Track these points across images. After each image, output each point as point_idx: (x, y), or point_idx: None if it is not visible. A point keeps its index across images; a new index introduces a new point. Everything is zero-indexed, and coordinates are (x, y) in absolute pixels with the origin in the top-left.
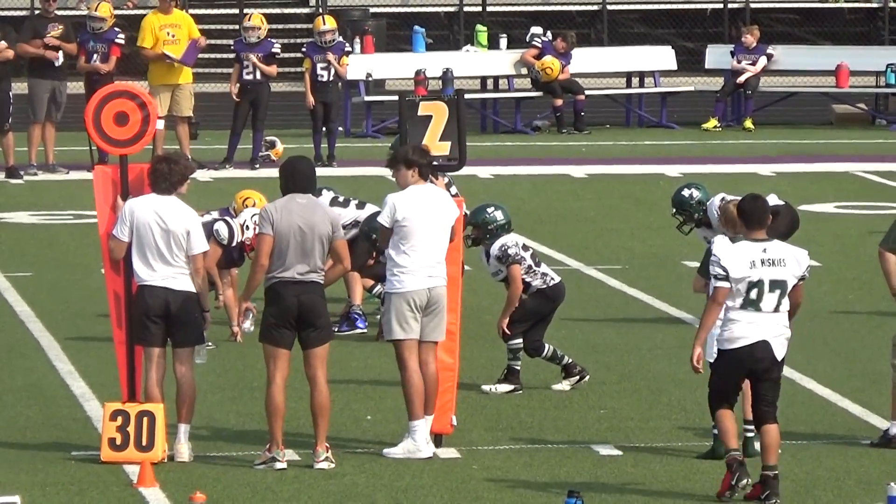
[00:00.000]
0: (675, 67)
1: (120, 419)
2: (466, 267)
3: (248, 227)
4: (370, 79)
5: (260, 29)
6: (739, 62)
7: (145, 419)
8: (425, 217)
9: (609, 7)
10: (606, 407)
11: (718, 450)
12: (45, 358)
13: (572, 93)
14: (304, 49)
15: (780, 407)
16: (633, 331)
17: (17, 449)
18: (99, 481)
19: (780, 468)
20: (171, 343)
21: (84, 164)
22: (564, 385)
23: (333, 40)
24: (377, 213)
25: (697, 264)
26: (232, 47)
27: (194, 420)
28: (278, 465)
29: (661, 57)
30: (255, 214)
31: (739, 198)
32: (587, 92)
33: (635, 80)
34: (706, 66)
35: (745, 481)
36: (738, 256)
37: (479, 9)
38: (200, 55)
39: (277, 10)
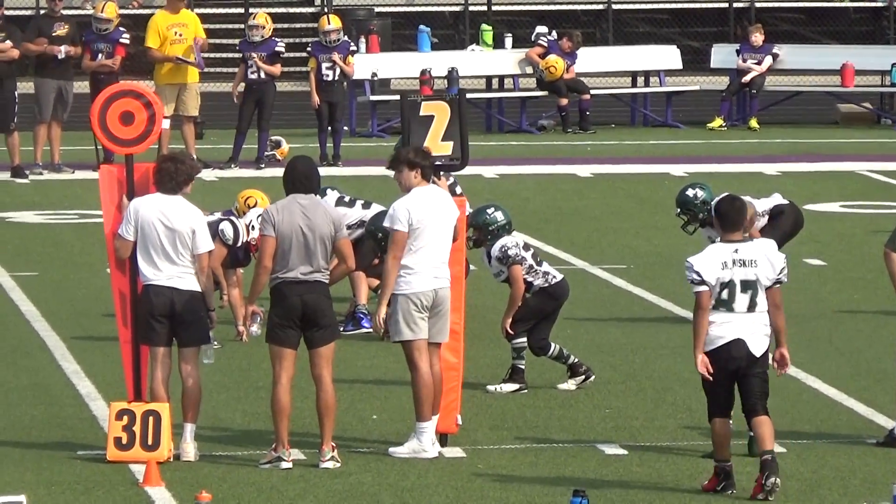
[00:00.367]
0: (680, 67)
1: (126, 418)
2: (472, 266)
3: (253, 227)
4: (375, 78)
5: (264, 28)
6: (745, 61)
7: (151, 418)
8: (432, 219)
9: (614, 6)
10: (612, 406)
11: (754, 450)
12: (51, 357)
13: (578, 92)
14: (309, 48)
15: (786, 406)
16: (638, 330)
17: (23, 448)
18: (105, 480)
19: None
20: (176, 342)
21: (89, 163)
22: (570, 384)
23: (338, 40)
24: (382, 213)
25: None
26: (237, 47)
27: (200, 419)
28: (284, 465)
29: (667, 56)
30: (260, 215)
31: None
32: (592, 91)
33: (640, 80)
34: (711, 66)
35: (729, 492)
36: (709, 259)
37: (485, 8)
38: (206, 55)
39: (282, 10)
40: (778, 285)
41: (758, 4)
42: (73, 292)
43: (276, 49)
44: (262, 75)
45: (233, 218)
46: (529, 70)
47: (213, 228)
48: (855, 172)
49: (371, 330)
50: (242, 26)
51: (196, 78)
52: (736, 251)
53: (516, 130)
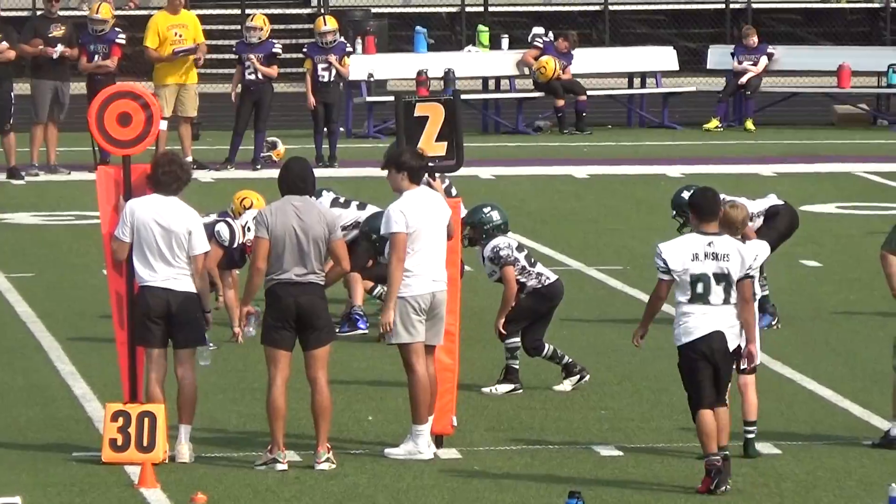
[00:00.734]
0: (676, 68)
1: (121, 420)
2: (467, 268)
3: (249, 228)
4: (372, 79)
5: (262, 30)
6: (740, 63)
7: (146, 420)
8: (426, 221)
9: (611, 7)
10: (607, 407)
11: (750, 451)
12: (47, 358)
13: (574, 93)
14: (305, 50)
15: (781, 407)
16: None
17: (19, 449)
18: (100, 482)
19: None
20: (172, 344)
21: (86, 164)
22: (565, 385)
23: (334, 41)
24: (378, 214)
25: None
26: (233, 48)
27: (195, 421)
28: (279, 466)
29: (663, 57)
30: (255, 216)
31: (737, 199)
32: (589, 92)
33: (637, 81)
34: (708, 67)
35: (723, 488)
36: (679, 250)
37: (481, 9)
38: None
39: (279, 11)
40: (748, 280)
41: (754, 5)
42: (69, 293)
43: (273, 51)
44: (260, 77)
45: (229, 219)
46: (526, 71)
47: (209, 230)
48: (851, 174)
49: (366, 331)
50: (239, 27)
51: (195, 79)
52: (710, 244)
53: (513, 131)
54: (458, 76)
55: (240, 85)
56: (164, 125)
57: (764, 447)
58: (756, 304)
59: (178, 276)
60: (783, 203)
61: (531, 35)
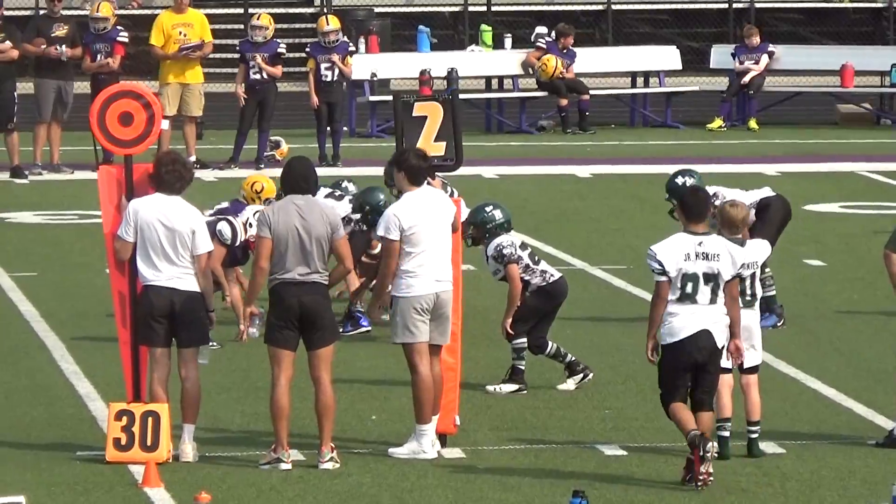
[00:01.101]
0: (679, 67)
1: (125, 419)
2: (470, 267)
3: (251, 224)
4: (375, 78)
5: (268, 29)
6: (742, 62)
7: (150, 419)
8: (429, 221)
9: (614, 7)
10: (611, 407)
11: (723, 451)
12: (50, 358)
13: (577, 92)
14: (307, 49)
15: (785, 407)
16: (638, 331)
17: (23, 449)
18: (104, 481)
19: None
20: (175, 343)
21: (89, 163)
22: (569, 384)
23: (337, 40)
24: (373, 189)
25: None
26: (237, 48)
27: (199, 420)
28: (283, 466)
29: (666, 57)
30: (257, 211)
31: (734, 199)
32: (592, 92)
33: (640, 80)
34: (711, 66)
35: (709, 445)
36: (672, 250)
37: (484, 8)
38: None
39: (282, 10)
40: (737, 279)
41: (757, 5)
42: (72, 293)
43: (278, 50)
44: (264, 76)
45: (230, 217)
46: (530, 71)
47: (211, 228)
48: (855, 173)
49: (370, 329)
50: (242, 26)
51: (200, 79)
52: (700, 244)
53: (516, 131)
54: (462, 76)
55: (243, 84)
56: (166, 124)
57: (768, 447)
58: (757, 303)
59: (182, 275)
60: (775, 195)
61: (534, 34)
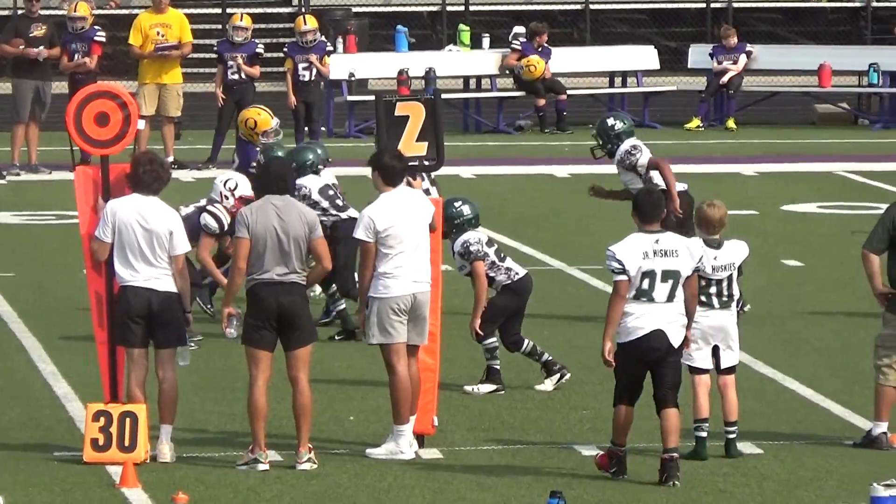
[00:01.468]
0: (657, 67)
1: (102, 420)
2: (448, 267)
3: (226, 197)
4: (353, 78)
5: (248, 30)
6: (720, 63)
7: (128, 420)
8: (405, 222)
9: (592, 6)
10: (589, 407)
11: (701, 451)
12: (28, 358)
13: (555, 92)
14: (285, 49)
15: (762, 407)
16: None
17: (0, 450)
18: (81, 482)
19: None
20: (153, 344)
21: (67, 164)
22: (547, 385)
23: (315, 40)
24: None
25: None
26: (215, 48)
27: (177, 421)
28: (261, 466)
29: (644, 56)
30: (227, 180)
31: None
32: (570, 91)
33: (618, 80)
34: (689, 66)
35: (672, 483)
36: (631, 248)
37: (462, 8)
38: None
39: (260, 10)
40: (695, 273)
41: (735, 5)
42: (50, 293)
43: (256, 51)
44: (242, 76)
45: (209, 207)
46: (507, 71)
47: (195, 221)
48: (832, 173)
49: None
50: (220, 27)
51: (179, 79)
52: (657, 241)
53: (494, 131)
54: (439, 75)
55: (223, 84)
56: (142, 124)
57: (745, 447)
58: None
59: (160, 276)
60: (684, 189)
61: (512, 34)
